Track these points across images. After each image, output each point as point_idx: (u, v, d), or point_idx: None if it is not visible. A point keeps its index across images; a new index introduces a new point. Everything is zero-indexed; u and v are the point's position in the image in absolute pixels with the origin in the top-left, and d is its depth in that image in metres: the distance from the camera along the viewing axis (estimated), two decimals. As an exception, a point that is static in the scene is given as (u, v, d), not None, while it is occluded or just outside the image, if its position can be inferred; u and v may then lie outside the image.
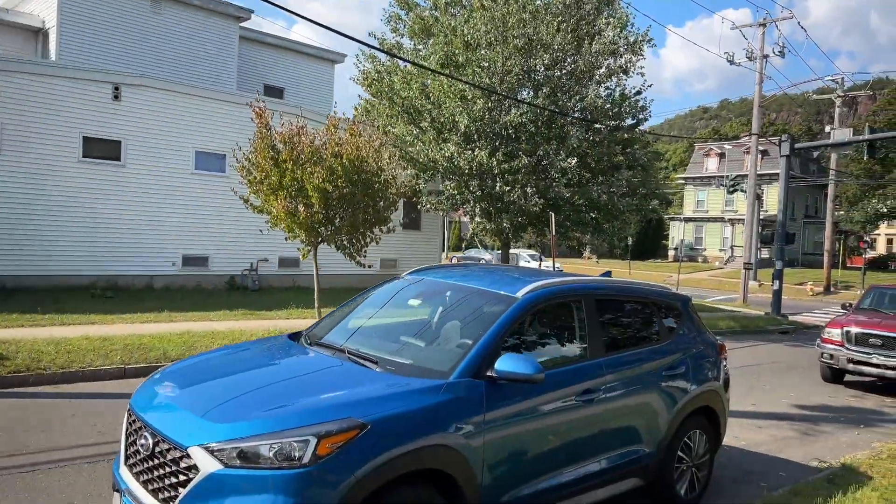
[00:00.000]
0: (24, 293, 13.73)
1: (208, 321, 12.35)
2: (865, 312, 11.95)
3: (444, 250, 55.41)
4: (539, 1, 17.53)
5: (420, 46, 18.95)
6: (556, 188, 17.19)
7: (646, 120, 20.45)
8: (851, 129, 22.40)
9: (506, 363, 3.80)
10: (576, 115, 17.25)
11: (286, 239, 11.13)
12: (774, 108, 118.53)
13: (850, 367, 10.97)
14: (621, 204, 17.60)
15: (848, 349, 11.01)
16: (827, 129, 22.68)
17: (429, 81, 17.45)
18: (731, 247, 55.04)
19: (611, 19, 18.12)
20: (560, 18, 17.07)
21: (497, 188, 16.93)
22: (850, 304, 12.80)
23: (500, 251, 20.75)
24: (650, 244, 63.75)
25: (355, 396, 3.48)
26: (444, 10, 18.48)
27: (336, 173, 10.27)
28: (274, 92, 24.38)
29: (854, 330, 11.02)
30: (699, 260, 57.73)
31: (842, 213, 60.13)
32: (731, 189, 38.42)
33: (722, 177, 42.32)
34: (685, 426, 5.18)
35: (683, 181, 61.31)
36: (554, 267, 16.19)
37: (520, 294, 4.35)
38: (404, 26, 18.92)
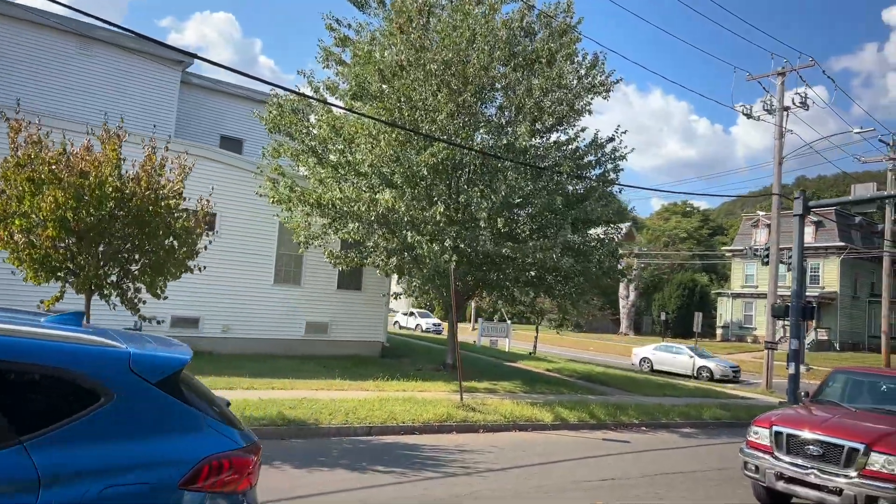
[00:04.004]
0: None
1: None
2: (819, 406, 8.49)
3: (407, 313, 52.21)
4: (479, 28, 15.28)
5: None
6: (483, 242, 14.47)
7: (617, 171, 17.68)
8: (875, 184, 18.79)
9: None
10: (507, 157, 14.62)
11: (24, 280, 8.78)
12: (845, 183, 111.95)
13: (780, 486, 7.51)
14: (562, 264, 14.60)
15: (777, 459, 7.59)
16: (853, 187, 19.15)
17: (351, 117, 15.42)
18: (783, 326, 49.60)
19: (562, 51, 15.73)
20: (493, 45, 14.80)
21: (408, 238, 14.39)
22: (807, 394, 9.28)
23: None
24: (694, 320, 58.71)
25: None
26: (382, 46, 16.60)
27: (83, 198, 8.06)
28: (232, 144, 22.98)
29: (785, 431, 7.61)
30: (749, 340, 52.29)
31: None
32: (766, 260, 34.48)
33: (756, 249, 38.18)
34: None
35: (730, 253, 56.66)
36: (452, 329, 13.29)
37: None
38: (335, 63, 17.09)
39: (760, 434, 7.87)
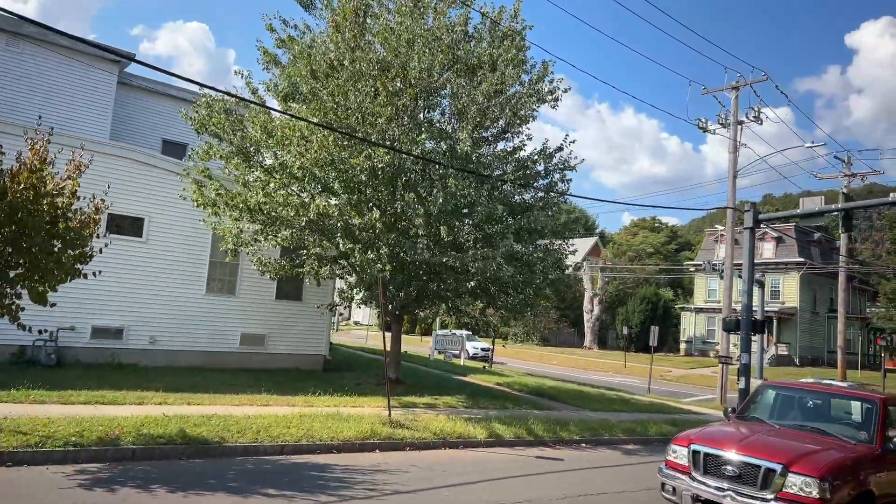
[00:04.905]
0: None
1: None
2: (743, 423, 8.05)
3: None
4: (418, 28, 14.76)
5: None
6: (421, 250, 13.92)
7: (566, 181, 17.26)
8: (823, 198, 18.67)
9: None
10: (448, 164, 14.09)
11: None
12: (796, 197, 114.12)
13: (697, 510, 7.02)
14: (502, 273, 14.09)
15: (694, 480, 7.11)
16: (801, 200, 19.06)
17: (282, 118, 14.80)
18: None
19: (504, 56, 15.33)
20: (434, 48, 14.34)
21: (341, 246, 13.78)
22: (734, 410, 8.84)
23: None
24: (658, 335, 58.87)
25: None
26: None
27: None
28: (175, 148, 22.17)
29: (703, 449, 7.14)
30: (711, 354, 52.35)
31: (880, 308, 54.39)
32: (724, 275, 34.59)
33: (714, 263, 38.34)
34: None
35: (694, 268, 56.92)
36: (392, 340, 12.69)
37: None
38: (272, 63, 16.47)
39: (679, 453, 7.40)
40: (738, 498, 6.61)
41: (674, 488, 7.25)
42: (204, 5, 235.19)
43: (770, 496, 6.44)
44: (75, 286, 13.08)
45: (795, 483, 6.33)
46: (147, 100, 21.99)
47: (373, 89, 14.13)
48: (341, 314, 65.18)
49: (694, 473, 7.11)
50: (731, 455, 6.85)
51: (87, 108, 19.36)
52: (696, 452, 7.16)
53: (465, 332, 38.59)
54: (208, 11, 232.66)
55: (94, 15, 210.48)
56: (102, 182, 14.75)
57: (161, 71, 9.58)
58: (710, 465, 7.01)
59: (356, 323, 66.50)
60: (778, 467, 6.46)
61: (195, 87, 24.73)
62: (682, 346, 56.14)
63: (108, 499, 6.72)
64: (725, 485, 6.77)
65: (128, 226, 15.74)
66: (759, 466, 6.59)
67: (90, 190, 9.68)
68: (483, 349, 38.09)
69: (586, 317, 57.55)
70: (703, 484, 6.96)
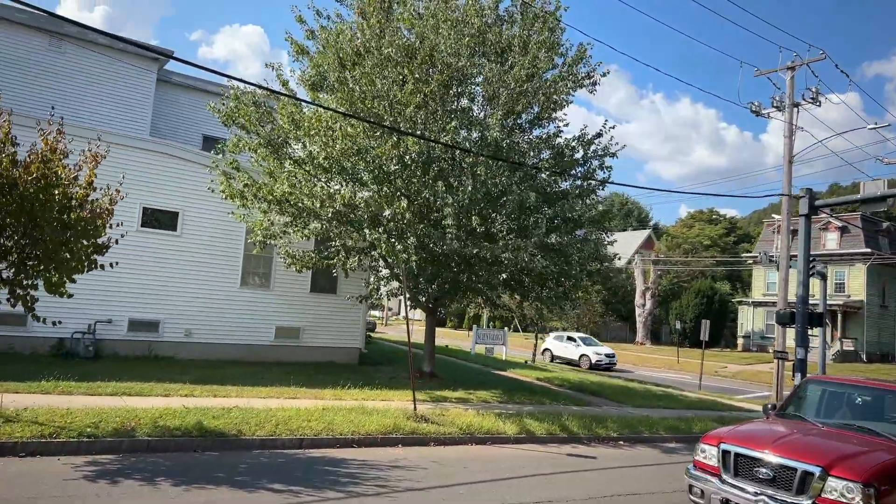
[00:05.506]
0: None
1: None
2: (782, 421, 7.36)
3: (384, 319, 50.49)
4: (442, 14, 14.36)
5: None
6: (450, 240, 13.53)
7: (605, 168, 16.57)
8: (885, 182, 17.38)
9: None
10: (479, 152, 13.65)
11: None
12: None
13: (726, 515, 6.41)
14: (534, 264, 13.55)
15: (723, 482, 6.50)
16: (862, 184, 17.86)
17: (308, 109, 14.66)
18: (805, 336, 47.41)
19: (535, 38, 14.81)
20: (461, 32, 13.94)
21: (368, 236, 13.53)
22: (774, 406, 8.12)
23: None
24: (713, 330, 57.03)
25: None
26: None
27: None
28: (214, 144, 22.39)
29: (733, 449, 6.52)
30: (769, 350, 50.22)
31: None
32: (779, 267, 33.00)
33: (771, 255, 36.62)
34: None
35: (751, 261, 54.71)
36: (424, 333, 12.35)
37: None
38: (298, 53, 16.36)
39: (708, 452, 6.80)
40: (772, 503, 6.00)
41: (702, 491, 6.66)
42: (260, 7, 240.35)
43: (807, 502, 5.81)
44: (112, 279, 13.32)
45: (836, 488, 5.69)
46: (187, 96, 22.29)
47: (400, 76, 13.82)
48: (390, 309, 65.41)
49: (724, 475, 6.52)
50: (765, 455, 6.23)
51: (127, 104, 19.73)
52: (726, 452, 6.56)
53: (580, 335, 35.56)
54: (264, 14, 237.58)
55: (157, 21, 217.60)
56: (138, 176, 14.99)
57: (194, 66, 9.54)
58: (742, 467, 6.40)
59: (405, 318, 66.61)
60: (816, 470, 5.82)
61: (235, 83, 24.98)
62: (740, 341, 54.06)
63: (108, 490, 6.61)
64: (758, 488, 6.16)
65: (163, 220, 15.91)
66: (795, 469, 5.97)
67: (125, 184, 9.71)
68: (607, 355, 33.44)
69: (638, 311, 56.04)
70: (734, 487, 6.36)
